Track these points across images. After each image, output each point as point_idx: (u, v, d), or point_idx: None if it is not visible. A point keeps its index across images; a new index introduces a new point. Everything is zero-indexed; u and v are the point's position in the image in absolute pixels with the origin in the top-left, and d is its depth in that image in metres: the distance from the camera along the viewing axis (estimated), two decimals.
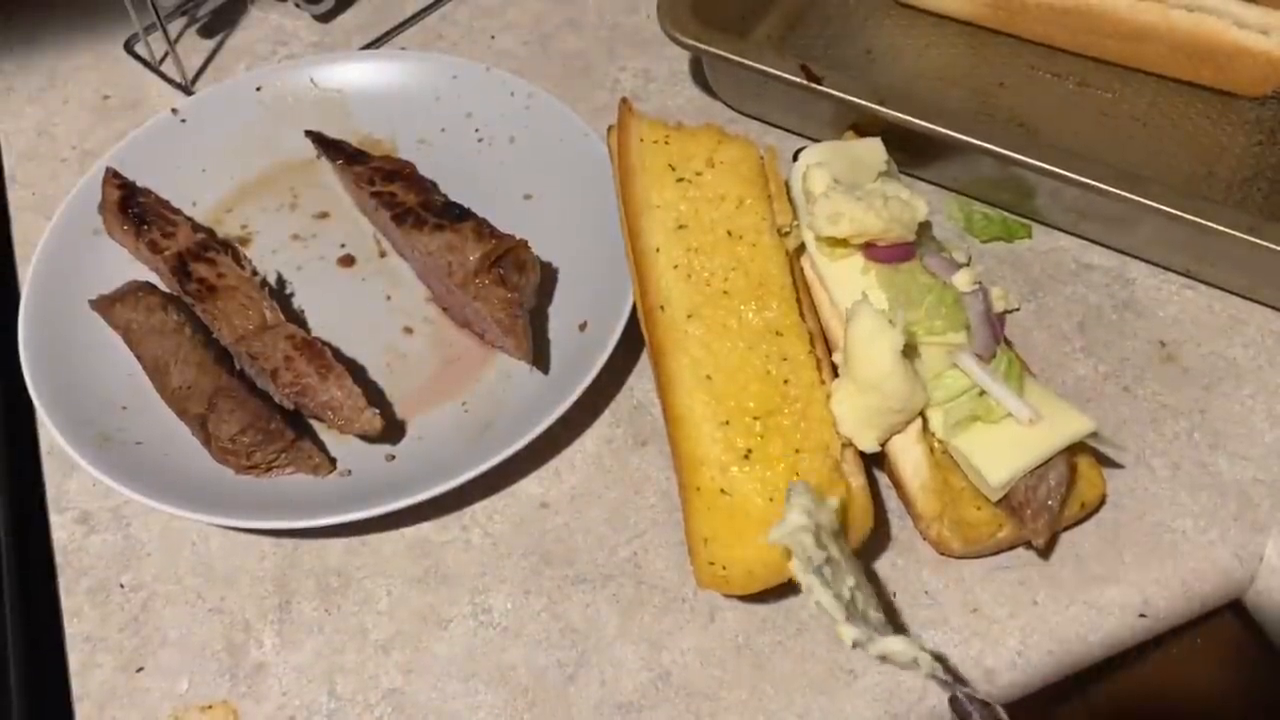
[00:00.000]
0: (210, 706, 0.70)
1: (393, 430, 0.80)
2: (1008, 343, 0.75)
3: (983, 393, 0.70)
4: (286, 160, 0.97)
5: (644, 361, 0.84)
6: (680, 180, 0.79)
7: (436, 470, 0.75)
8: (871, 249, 0.75)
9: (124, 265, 0.89)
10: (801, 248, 0.79)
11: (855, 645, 0.59)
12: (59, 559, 0.77)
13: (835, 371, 0.74)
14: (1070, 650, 0.70)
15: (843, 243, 0.75)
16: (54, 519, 0.79)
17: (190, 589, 0.75)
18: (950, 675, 0.59)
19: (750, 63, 0.89)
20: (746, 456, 0.69)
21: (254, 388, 0.79)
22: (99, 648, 0.73)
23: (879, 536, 0.71)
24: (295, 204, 0.95)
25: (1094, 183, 0.79)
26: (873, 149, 0.84)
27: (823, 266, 0.77)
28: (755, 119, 1.00)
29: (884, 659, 0.59)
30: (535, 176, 0.93)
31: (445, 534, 0.77)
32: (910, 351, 0.70)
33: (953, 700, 0.58)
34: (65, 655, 0.73)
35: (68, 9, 1.14)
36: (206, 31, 1.12)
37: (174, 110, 0.97)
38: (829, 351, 0.75)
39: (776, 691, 0.69)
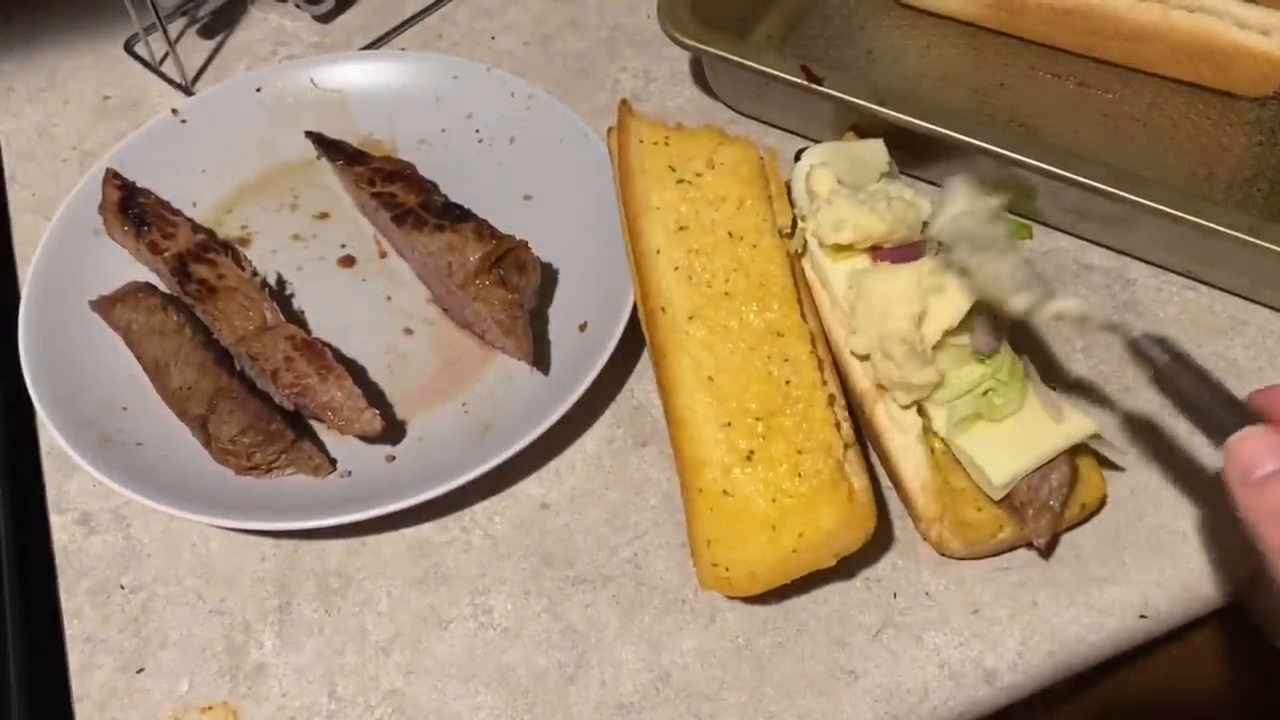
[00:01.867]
0: (210, 707, 0.70)
1: (393, 431, 0.80)
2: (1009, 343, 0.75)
3: (986, 391, 0.70)
4: (286, 160, 0.97)
5: (644, 362, 0.84)
6: (680, 181, 0.79)
7: (437, 471, 0.75)
8: (878, 250, 0.75)
9: (124, 266, 0.89)
10: (803, 248, 0.79)
11: (1028, 311, 0.64)
12: (59, 560, 0.77)
13: (838, 372, 0.74)
14: (1071, 651, 0.70)
15: (848, 245, 0.75)
16: (54, 520, 0.79)
17: (190, 590, 0.75)
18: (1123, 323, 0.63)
19: (750, 63, 0.89)
20: (749, 458, 0.69)
21: (254, 389, 0.79)
22: (99, 648, 0.73)
23: (880, 538, 0.71)
24: (295, 204, 0.95)
25: (1094, 183, 0.79)
26: (875, 150, 0.84)
27: (826, 268, 0.76)
28: (755, 119, 1.00)
29: (1058, 318, 0.65)
30: (535, 177, 0.93)
31: (445, 535, 0.77)
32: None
33: (1133, 344, 0.60)
34: (65, 656, 0.73)
35: (68, 9, 1.14)
36: (206, 32, 1.12)
37: (174, 110, 0.97)
38: (830, 352, 0.75)
39: (777, 692, 0.69)
